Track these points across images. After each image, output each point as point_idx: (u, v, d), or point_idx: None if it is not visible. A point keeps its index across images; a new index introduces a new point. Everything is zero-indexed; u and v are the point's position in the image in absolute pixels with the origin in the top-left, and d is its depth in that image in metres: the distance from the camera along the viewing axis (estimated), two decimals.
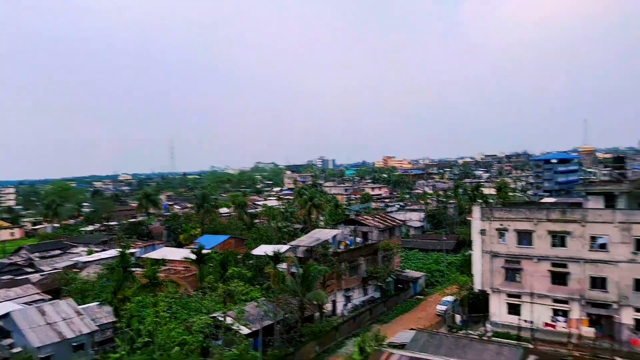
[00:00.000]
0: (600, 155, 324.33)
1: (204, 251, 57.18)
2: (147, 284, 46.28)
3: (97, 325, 45.23)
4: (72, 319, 43.79)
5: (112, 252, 70.75)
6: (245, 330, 42.65)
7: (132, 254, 63.74)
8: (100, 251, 79.13)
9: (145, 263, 56.51)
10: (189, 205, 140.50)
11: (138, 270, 56.94)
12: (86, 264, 69.73)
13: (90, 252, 78.40)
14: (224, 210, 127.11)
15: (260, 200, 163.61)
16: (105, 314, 47.39)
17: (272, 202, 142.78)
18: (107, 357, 35.94)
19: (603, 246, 43.58)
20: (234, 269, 47.46)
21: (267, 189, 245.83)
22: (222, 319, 41.70)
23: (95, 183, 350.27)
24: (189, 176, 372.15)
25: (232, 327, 41.50)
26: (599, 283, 43.55)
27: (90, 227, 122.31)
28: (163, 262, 64.04)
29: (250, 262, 65.52)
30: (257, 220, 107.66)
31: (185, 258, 58.14)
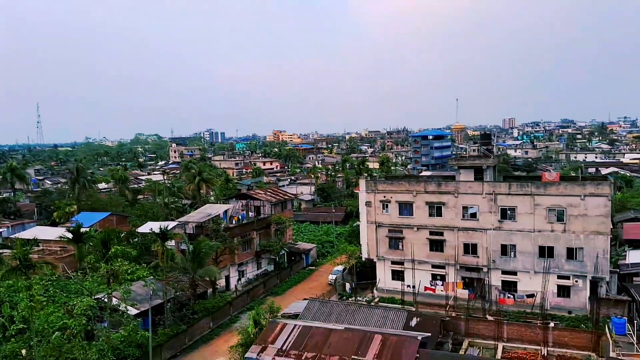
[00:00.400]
0: (470, 132, 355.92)
1: (82, 229, 53.13)
2: (18, 267, 42.05)
3: None
4: None
5: None
6: (133, 311, 40.87)
7: None
8: None
9: (15, 244, 51.27)
10: (62, 180, 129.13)
11: (6, 251, 51.59)
12: None
13: None
14: (102, 185, 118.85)
15: (143, 175, 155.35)
16: None
17: (157, 177, 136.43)
18: None
19: (474, 215, 48.08)
20: (118, 248, 44.80)
21: (150, 162, 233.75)
22: (107, 300, 39.43)
23: None
24: (60, 148, 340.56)
25: (119, 308, 39.49)
26: (470, 249, 48.16)
27: None
28: (35, 242, 58.77)
29: (136, 240, 62.38)
30: (140, 196, 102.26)
31: (61, 237, 53.50)
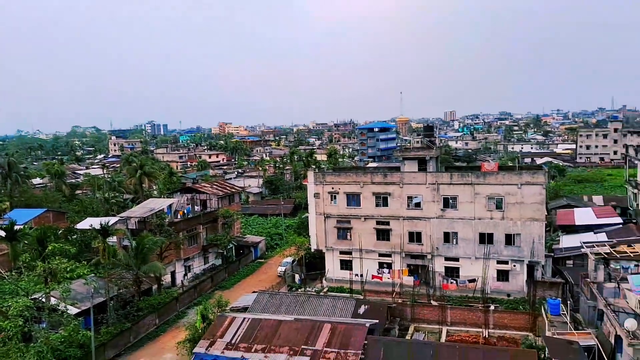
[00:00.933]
0: (414, 124, 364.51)
1: (16, 227, 50.23)
2: None
3: None
4: None
5: None
6: (73, 310, 39.19)
7: None
8: None
9: None
10: None
11: None
12: None
13: None
14: (37, 180, 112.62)
15: (81, 169, 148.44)
16: None
17: (96, 171, 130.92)
18: None
19: (418, 205, 49.37)
20: (55, 245, 42.78)
21: (89, 156, 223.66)
22: (45, 299, 37.54)
23: None
24: None
25: (58, 307, 37.67)
26: (415, 237, 49.46)
27: None
28: None
29: (75, 237, 59.77)
30: (79, 192, 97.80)
31: None
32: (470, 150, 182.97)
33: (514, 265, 46.58)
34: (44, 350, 32.41)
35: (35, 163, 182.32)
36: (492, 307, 42.12)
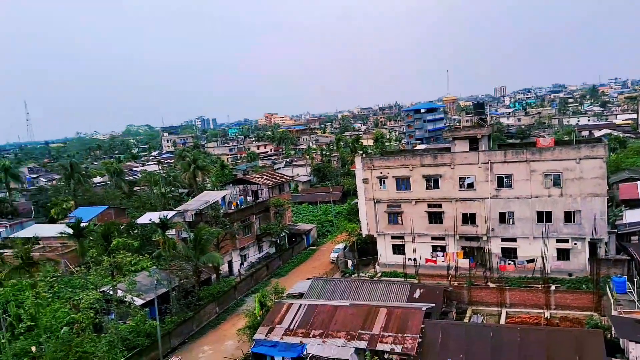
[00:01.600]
0: (462, 103, 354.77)
1: (82, 224, 53.13)
2: (20, 265, 42.28)
3: None
4: None
5: None
6: (139, 301, 41.13)
7: None
8: None
9: (15, 243, 51.29)
10: (57, 176, 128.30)
11: (7, 251, 51.56)
12: None
13: None
14: (97, 179, 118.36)
15: (138, 166, 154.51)
16: None
17: (152, 167, 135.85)
18: None
19: (471, 185, 48.28)
20: (119, 240, 45.03)
21: (144, 153, 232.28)
22: (112, 292, 39.64)
23: None
24: (51, 145, 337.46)
25: (125, 299, 39.72)
26: (469, 219, 48.46)
27: None
28: (35, 240, 58.84)
29: (136, 231, 62.45)
30: (137, 188, 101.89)
31: (61, 233, 53.49)
32: (523, 126, 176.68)
33: (575, 244, 44.84)
34: (115, 339, 34.31)
35: (94, 163, 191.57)
36: (553, 288, 40.90)
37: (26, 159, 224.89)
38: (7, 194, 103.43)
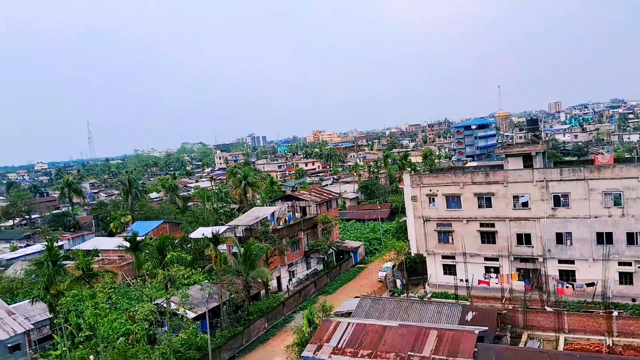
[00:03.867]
0: (515, 119, 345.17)
1: (138, 238, 55.19)
2: (81, 277, 44.28)
3: (32, 324, 42.91)
4: (3, 319, 41.28)
5: (38, 247, 66.77)
6: (191, 314, 42.07)
7: (59, 246, 60.46)
8: (25, 246, 74.46)
9: (76, 255, 53.84)
10: (116, 192, 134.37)
11: (69, 263, 54.22)
12: (11, 260, 65.50)
13: (14, 249, 73.62)
14: (153, 195, 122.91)
15: (191, 183, 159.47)
16: (40, 311, 45.00)
17: (205, 184, 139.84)
18: (47, 355, 34.23)
19: (525, 204, 46.72)
20: (173, 254, 46.22)
21: (197, 170, 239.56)
22: (166, 305, 40.83)
23: (8, 175, 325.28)
24: (111, 161, 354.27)
25: (177, 312, 40.78)
26: (524, 239, 46.82)
27: (9, 222, 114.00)
28: (96, 252, 61.52)
29: (189, 245, 64.16)
30: (190, 203, 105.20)
31: (119, 246, 55.78)
32: (580, 143, 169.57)
33: (639, 267, 42.37)
34: (167, 352, 35.15)
35: (151, 179, 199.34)
36: (615, 313, 38.69)
37: (88, 175, 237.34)
38: (71, 208, 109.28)
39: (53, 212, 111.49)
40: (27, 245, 76.75)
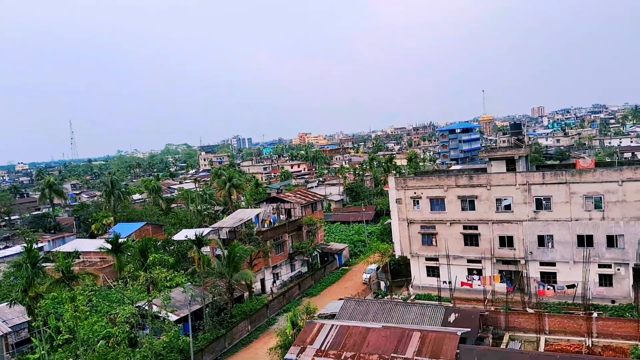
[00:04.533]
0: (498, 123, 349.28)
1: (120, 240, 54.51)
2: (61, 279, 43.55)
3: (9, 327, 42.08)
4: None
5: (17, 249, 65.35)
6: (173, 317, 41.64)
7: (39, 248, 59.42)
8: (3, 248, 73.03)
9: (57, 257, 52.97)
10: (98, 193, 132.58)
11: (49, 265, 53.23)
12: None
13: None
14: (136, 196, 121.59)
15: (175, 184, 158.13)
16: (18, 314, 44.17)
17: (189, 185, 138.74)
18: (25, 358, 33.58)
19: (508, 207, 47.24)
20: (155, 256, 45.62)
21: (181, 171, 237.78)
22: (148, 307, 40.33)
23: None
24: (94, 162, 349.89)
25: (159, 314, 40.32)
26: (506, 241, 47.32)
27: None
28: (76, 254, 60.44)
29: (172, 247, 63.63)
30: (174, 205, 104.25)
31: (101, 248, 54.99)
32: (562, 147, 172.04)
33: (618, 269, 43.12)
34: (149, 354, 34.69)
35: (134, 180, 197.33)
36: (595, 315, 39.26)
37: (69, 175, 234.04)
38: (51, 209, 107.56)
39: (33, 213, 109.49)
40: (6, 247, 75.24)
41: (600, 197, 43.09)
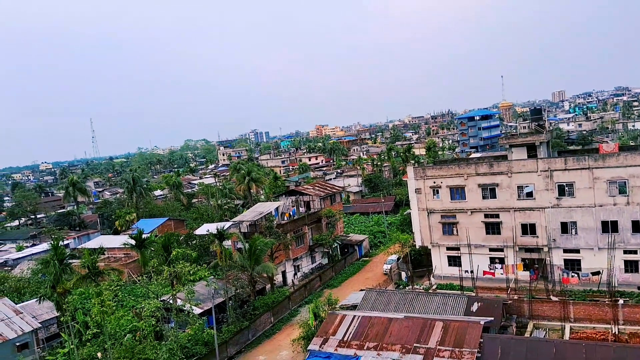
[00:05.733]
0: (518, 109, 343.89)
1: (144, 235, 55.43)
2: (87, 275, 44.57)
3: (39, 322, 43.30)
4: (11, 318, 41.62)
5: (44, 246, 67.19)
6: (197, 310, 42.35)
7: (65, 245, 60.74)
8: (31, 246, 74.93)
9: (82, 254, 54.17)
10: (120, 190, 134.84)
11: (75, 261, 54.47)
12: (17, 260, 65.99)
13: (20, 248, 74.11)
14: (158, 192, 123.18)
15: (195, 179, 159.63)
16: (47, 310, 45.37)
17: (209, 180, 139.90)
18: (55, 353, 34.52)
19: (530, 194, 46.57)
20: (178, 251, 46.48)
21: (201, 167, 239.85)
22: (172, 301, 41.05)
23: (13, 175, 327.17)
24: (115, 160, 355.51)
25: (184, 308, 41.03)
26: (529, 229, 46.70)
27: (15, 223, 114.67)
28: (101, 250, 61.69)
29: (194, 242, 64.47)
30: (195, 200, 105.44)
31: (125, 244, 56.12)
32: (584, 132, 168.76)
33: None
34: (175, 347, 35.40)
35: (155, 176, 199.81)
36: (621, 301, 38.59)
37: (92, 173, 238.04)
38: (75, 207, 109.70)
39: (58, 211, 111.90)
40: (33, 244, 77.20)
41: (625, 182, 42.18)
